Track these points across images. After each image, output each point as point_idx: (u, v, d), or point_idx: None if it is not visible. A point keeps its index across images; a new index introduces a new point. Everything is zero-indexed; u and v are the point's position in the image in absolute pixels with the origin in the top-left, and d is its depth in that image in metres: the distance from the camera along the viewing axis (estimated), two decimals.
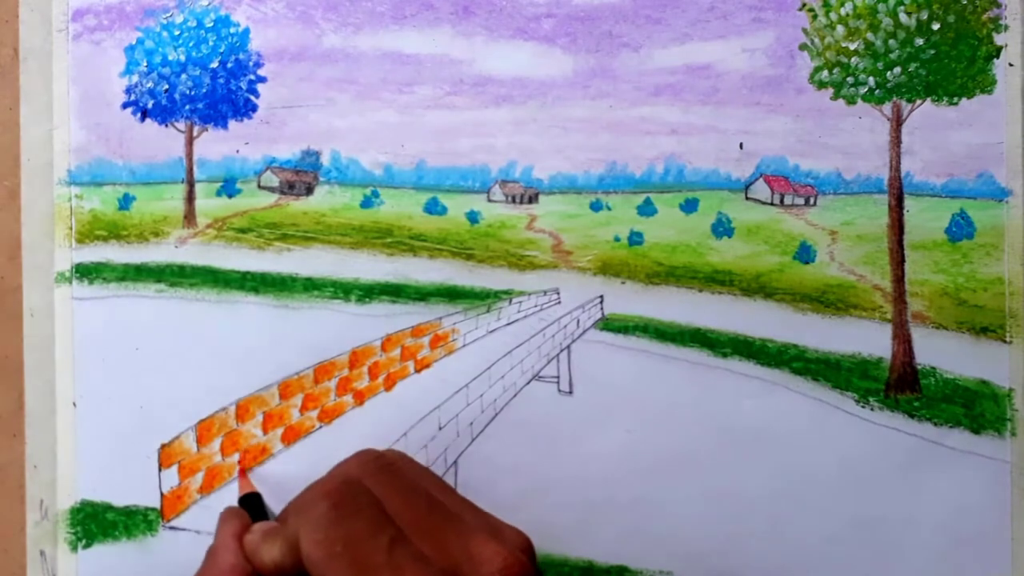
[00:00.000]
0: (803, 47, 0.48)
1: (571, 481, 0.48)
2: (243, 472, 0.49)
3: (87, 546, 0.50)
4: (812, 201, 0.48)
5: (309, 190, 0.50)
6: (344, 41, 0.50)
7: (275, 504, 0.48)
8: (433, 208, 0.50)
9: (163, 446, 0.50)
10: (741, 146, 0.48)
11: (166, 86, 0.51)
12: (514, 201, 0.50)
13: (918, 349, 0.47)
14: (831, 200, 0.48)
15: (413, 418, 0.49)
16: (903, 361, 0.47)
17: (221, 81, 0.51)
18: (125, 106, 0.51)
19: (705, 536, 0.48)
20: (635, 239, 0.49)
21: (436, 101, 0.50)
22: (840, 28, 0.48)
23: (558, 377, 0.49)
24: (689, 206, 0.49)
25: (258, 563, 0.38)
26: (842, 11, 0.48)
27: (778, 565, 0.47)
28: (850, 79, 0.48)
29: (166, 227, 0.51)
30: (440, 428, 0.49)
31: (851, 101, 0.48)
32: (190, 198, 0.51)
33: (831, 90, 0.48)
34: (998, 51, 0.47)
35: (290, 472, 0.50)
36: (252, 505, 0.46)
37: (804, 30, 0.48)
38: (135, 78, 0.51)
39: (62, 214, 0.51)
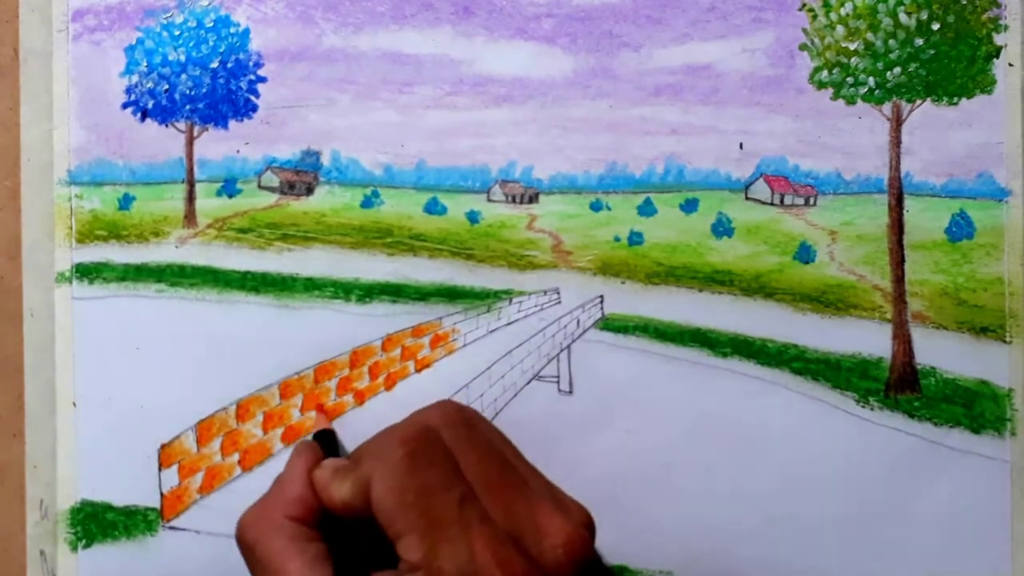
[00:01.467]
0: (803, 47, 0.48)
1: (571, 481, 0.48)
2: (320, 407, 0.49)
3: (87, 546, 0.50)
4: (812, 201, 0.48)
5: (309, 190, 0.50)
6: (344, 41, 0.50)
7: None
8: (433, 208, 0.50)
9: (163, 446, 0.50)
10: (741, 146, 0.48)
11: (166, 86, 0.51)
12: (514, 201, 0.50)
13: (918, 349, 0.47)
14: (831, 200, 0.48)
15: None
16: (903, 361, 0.47)
17: (221, 81, 0.51)
18: (125, 106, 0.51)
19: (705, 536, 0.48)
20: (635, 239, 0.49)
21: (436, 101, 0.50)
22: (840, 28, 0.48)
23: (558, 377, 0.49)
24: (689, 206, 0.49)
25: (326, 499, 0.38)
26: (842, 11, 0.48)
27: (778, 565, 0.47)
28: (850, 79, 0.48)
29: (166, 227, 0.51)
30: None
31: (851, 101, 0.48)
32: (190, 198, 0.51)
33: (831, 90, 0.48)
34: (998, 51, 0.47)
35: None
36: (326, 441, 0.44)
37: (804, 30, 0.48)
38: (135, 78, 0.51)
39: (62, 214, 0.51)
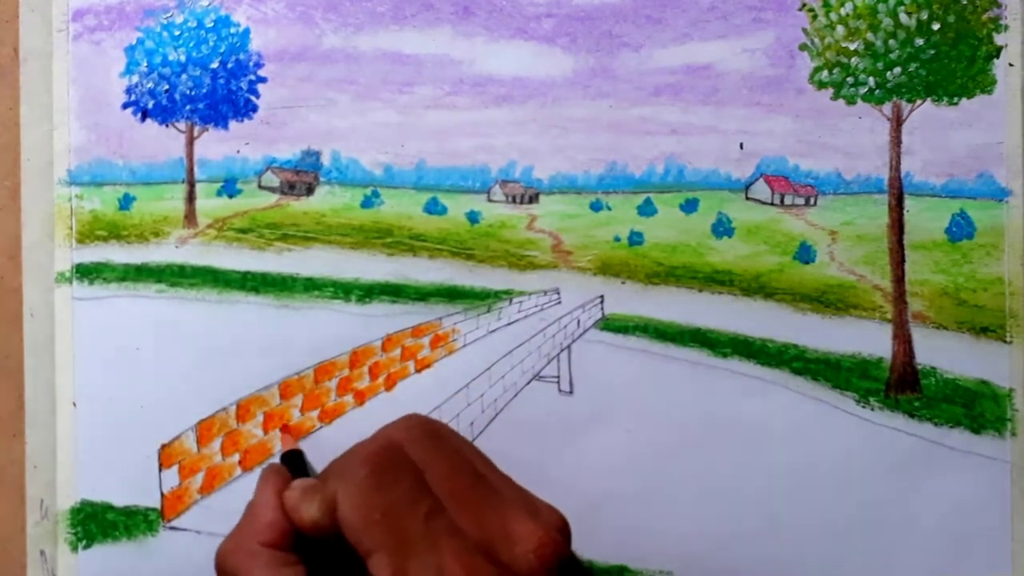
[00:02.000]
0: (803, 47, 0.48)
1: (571, 481, 0.48)
2: (286, 428, 0.49)
3: (87, 546, 0.50)
4: (812, 201, 0.48)
5: (309, 190, 0.50)
6: (344, 41, 0.50)
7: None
8: (433, 208, 0.50)
9: (163, 446, 0.50)
10: (741, 146, 0.48)
11: (166, 86, 0.51)
12: (514, 201, 0.50)
13: (918, 349, 0.47)
14: (831, 200, 0.48)
15: None
16: (903, 361, 0.47)
17: (221, 81, 0.51)
18: (125, 106, 0.51)
19: (705, 536, 0.48)
20: (635, 239, 0.49)
21: (436, 101, 0.50)
22: (840, 28, 0.48)
23: (558, 377, 0.49)
24: (689, 206, 0.49)
25: (297, 520, 0.38)
26: (842, 11, 0.48)
27: (778, 565, 0.47)
28: (850, 79, 0.48)
29: (166, 227, 0.51)
30: None
31: (851, 101, 0.48)
32: (190, 198, 0.51)
33: (831, 90, 0.48)
34: (998, 51, 0.47)
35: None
36: (294, 462, 0.44)
37: (804, 30, 0.48)
38: (135, 78, 0.51)
39: (62, 214, 0.51)
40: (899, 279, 0.48)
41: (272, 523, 0.38)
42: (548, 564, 0.35)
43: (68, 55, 0.51)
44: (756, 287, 0.48)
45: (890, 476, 0.47)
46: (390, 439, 0.38)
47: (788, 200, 0.49)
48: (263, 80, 0.50)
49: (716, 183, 0.49)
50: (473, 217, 0.50)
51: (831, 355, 0.48)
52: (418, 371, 0.50)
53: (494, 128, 0.49)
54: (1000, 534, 0.46)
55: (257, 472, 0.50)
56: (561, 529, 0.37)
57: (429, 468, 0.37)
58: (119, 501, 0.50)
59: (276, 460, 0.47)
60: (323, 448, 0.50)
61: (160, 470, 0.50)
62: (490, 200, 0.50)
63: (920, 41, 0.47)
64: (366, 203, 0.50)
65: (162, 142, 0.51)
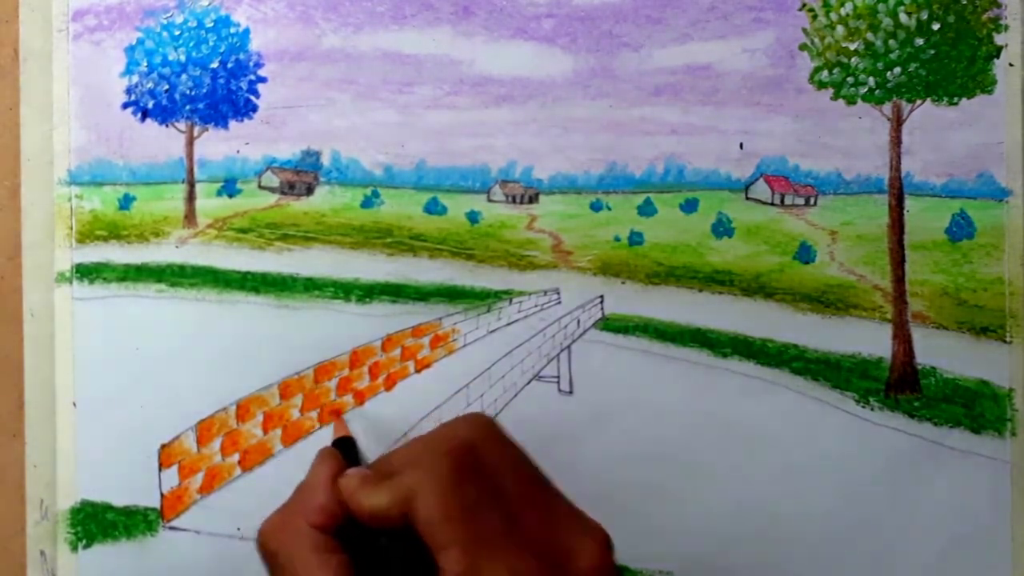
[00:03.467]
0: (803, 47, 0.48)
1: (570, 481, 0.48)
2: (338, 415, 0.49)
3: (87, 546, 0.50)
4: (812, 201, 0.48)
5: (309, 190, 0.50)
6: (344, 41, 0.50)
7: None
8: (433, 208, 0.50)
9: (163, 446, 0.50)
10: (741, 146, 0.48)
11: (166, 86, 0.51)
12: (514, 201, 0.50)
13: (918, 349, 0.47)
14: (831, 200, 0.48)
15: (413, 418, 0.49)
16: (903, 361, 0.47)
17: (221, 81, 0.51)
18: (125, 106, 0.51)
19: (705, 536, 0.48)
20: (635, 239, 0.49)
21: (436, 101, 0.50)
22: (840, 28, 0.48)
23: (558, 377, 0.49)
24: (689, 206, 0.49)
25: (355, 507, 0.37)
26: (842, 11, 0.48)
27: (778, 565, 0.47)
28: (850, 79, 0.48)
29: (166, 227, 0.51)
30: None
31: (851, 101, 0.48)
32: (190, 198, 0.51)
33: (831, 90, 0.48)
34: (998, 51, 0.47)
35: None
36: (346, 449, 0.44)
37: (804, 30, 0.48)
38: (135, 78, 0.51)
39: (62, 214, 0.51)
40: (899, 279, 0.48)
41: (324, 506, 0.38)
42: None
43: (68, 55, 0.51)
44: (756, 287, 0.48)
45: (890, 476, 0.47)
46: (465, 437, 0.38)
47: (788, 200, 0.49)
48: (263, 80, 0.50)
49: (716, 183, 0.49)
50: (473, 217, 0.50)
51: (831, 355, 0.48)
52: (418, 371, 0.50)
53: (494, 128, 0.49)
54: (1000, 534, 0.46)
55: (257, 472, 0.50)
56: (609, 545, 0.37)
57: (501, 471, 0.37)
58: (119, 501, 0.50)
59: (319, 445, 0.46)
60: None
61: (160, 470, 0.50)
62: (490, 200, 0.50)
63: (920, 41, 0.47)
64: (366, 203, 0.50)
65: (162, 142, 0.51)
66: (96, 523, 0.50)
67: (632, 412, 0.48)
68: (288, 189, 0.51)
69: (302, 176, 0.50)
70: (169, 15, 0.51)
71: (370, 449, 0.46)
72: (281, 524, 0.38)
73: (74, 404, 0.50)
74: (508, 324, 0.50)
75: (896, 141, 0.48)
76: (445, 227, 0.50)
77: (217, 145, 0.51)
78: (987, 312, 0.47)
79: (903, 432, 0.47)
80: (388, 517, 0.36)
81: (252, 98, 0.51)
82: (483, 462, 0.37)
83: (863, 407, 0.48)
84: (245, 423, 0.50)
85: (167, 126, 0.51)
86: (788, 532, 0.47)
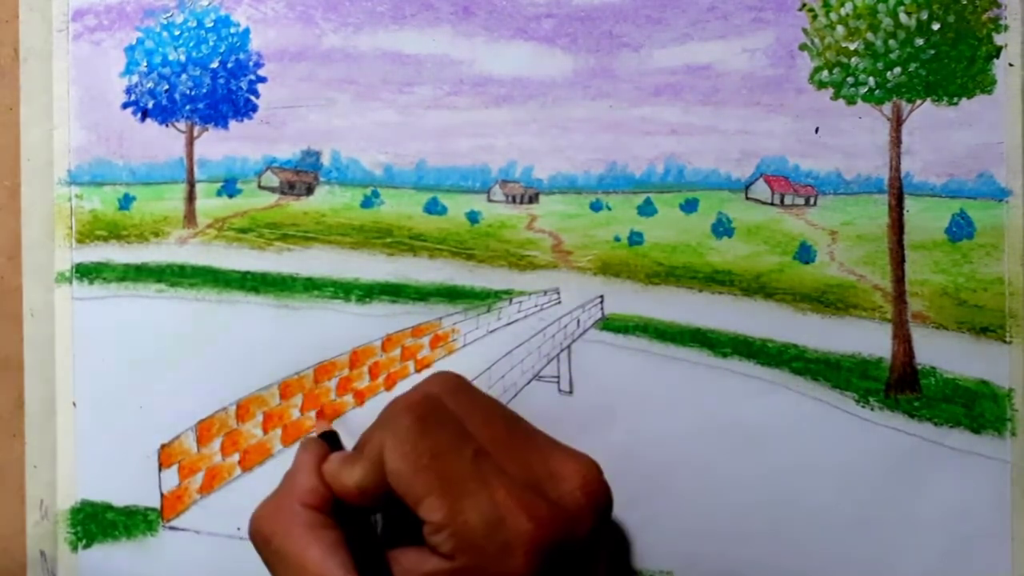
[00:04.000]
0: (803, 47, 0.48)
1: None
2: (321, 412, 0.49)
3: (87, 546, 0.50)
4: (812, 201, 0.48)
5: (309, 190, 0.50)
6: (344, 41, 0.50)
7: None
8: (433, 208, 0.50)
9: (163, 446, 0.50)
10: (740, 150, 0.48)
11: (166, 86, 0.51)
12: (514, 201, 0.50)
13: (918, 349, 0.47)
14: (831, 200, 0.48)
15: None
16: (903, 361, 0.47)
17: (221, 81, 0.51)
18: (125, 106, 0.51)
19: (705, 536, 0.48)
20: (635, 239, 0.49)
21: (436, 101, 0.50)
22: (840, 28, 0.48)
23: (558, 377, 0.49)
24: (689, 206, 0.49)
25: (339, 487, 0.38)
26: (842, 11, 0.48)
27: (778, 565, 0.47)
28: (850, 79, 0.48)
29: (166, 227, 0.51)
30: None
31: (851, 101, 0.48)
32: (190, 198, 0.51)
33: (831, 90, 0.48)
34: (998, 51, 0.47)
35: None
36: (329, 441, 0.44)
37: (804, 30, 0.48)
38: (135, 78, 0.51)
39: (62, 214, 0.51)
40: (899, 279, 0.48)
41: (313, 488, 0.38)
42: (594, 501, 0.36)
43: (68, 55, 0.51)
44: (756, 287, 0.48)
45: (890, 476, 0.47)
46: (427, 391, 0.38)
47: (788, 200, 0.49)
48: (263, 80, 0.50)
49: (716, 183, 0.49)
50: (473, 217, 0.50)
51: (831, 355, 0.48)
52: (418, 371, 0.50)
53: (494, 128, 0.49)
54: (1000, 534, 0.46)
55: (257, 472, 0.50)
56: (599, 468, 0.38)
57: (467, 417, 0.37)
58: (119, 501, 0.50)
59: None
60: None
61: (160, 470, 0.50)
62: (490, 200, 0.50)
63: (920, 41, 0.47)
64: (366, 203, 0.50)
65: (162, 142, 0.51)
66: (96, 523, 0.50)
67: (632, 412, 0.48)
68: (288, 189, 0.51)
69: (302, 176, 0.50)
70: (169, 15, 0.51)
71: None
72: (273, 508, 0.39)
73: (74, 404, 0.50)
74: (508, 324, 0.50)
75: (896, 141, 0.48)
76: (445, 227, 0.50)
77: (217, 145, 0.51)
78: (987, 312, 0.47)
79: (903, 432, 0.47)
80: (369, 488, 0.37)
81: (252, 98, 0.51)
82: (446, 410, 0.37)
83: (863, 407, 0.48)
84: (245, 423, 0.50)
85: (167, 126, 0.51)
86: (788, 532, 0.47)
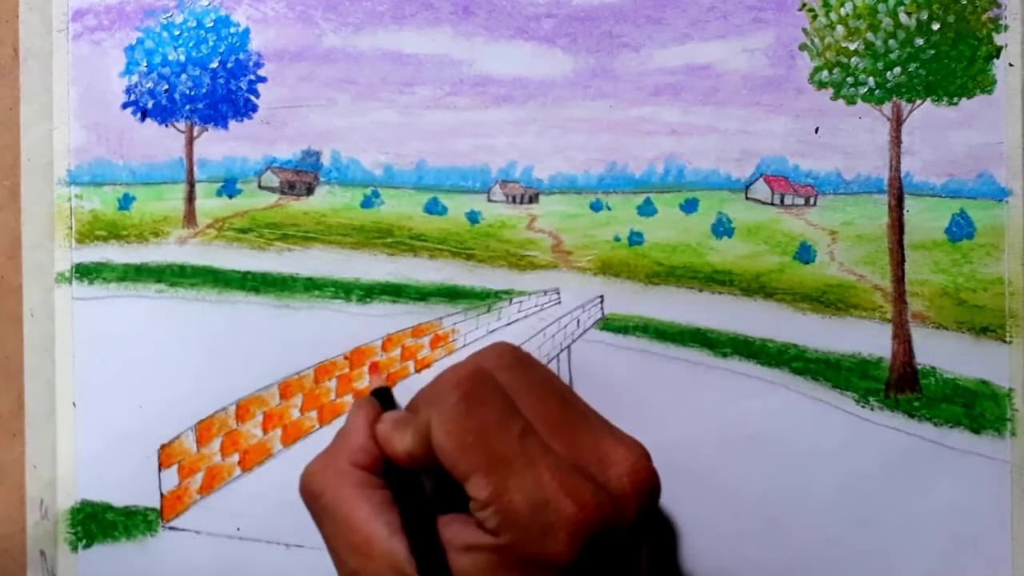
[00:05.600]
0: (803, 47, 0.48)
1: None
2: (375, 367, 0.49)
3: (87, 546, 0.50)
4: (812, 201, 0.48)
5: (309, 190, 0.50)
6: (344, 41, 0.50)
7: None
8: (433, 208, 0.50)
9: (163, 446, 0.50)
10: (740, 151, 0.48)
11: (166, 86, 0.51)
12: (514, 201, 0.50)
13: (918, 349, 0.47)
14: (831, 200, 0.48)
15: None
16: (903, 361, 0.47)
17: (221, 81, 0.51)
18: (125, 106, 0.51)
19: (705, 536, 0.48)
20: (635, 239, 0.49)
21: (436, 101, 0.50)
22: (840, 28, 0.48)
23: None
24: (689, 206, 0.49)
25: (390, 451, 0.38)
26: (842, 11, 0.48)
27: (778, 565, 0.47)
28: (850, 79, 0.48)
29: (166, 227, 0.51)
30: None
31: (851, 101, 0.48)
32: (190, 198, 0.51)
33: (831, 90, 0.48)
34: (998, 51, 0.47)
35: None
36: (383, 398, 0.44)
37: (804, 30, 0.48)
38: (135, 78, 0.51)
39: (62, 214, 0.51)
40: (899, 279, 0.48)
41: (364, 447, 0.39)
42: (641, 489, 0.36)
43: (68, 55, 0.51)
44: (756, 287, 0.48)
45: (890, 476, 0.47)
46: (479, 365, 0.38)
47: (788, 200, 0.49)
48: (263, 80, 0.50)
49: (716, 183, 0.49)
50: (473, 217, 0.50)
51: (831, 355, 0.48)
52: (418, 371, 0.50)
53: (494, 128, 0.49)
54: (1000, 534, 0.46)
55: (256, 472, 0.50)
56: (647, 455, 0.37)
57: (518, 393, 0.37)
58: (119, 501, 0.50)
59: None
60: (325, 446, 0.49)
61: (160, 470, 0.50)
62: (490, 200, 0.50)
63: (920, 41, 0.47)
64: (366, 203, 0.50)
65: (162, 142, 0.51)
66: (96, 523, 0.50)
67: (632, 412, 0.48)
68: (288, 189, 0.51)
69: (302, 176, 0.50)
70: (169, 15, 0.51)
71: None
72: (324, 465, 0.39)
73: (74, 404, 0.50)
74: (508, 324, 0.50)
75: (896, 141, 0.48)
76: (445, 227, 0.50)
77: (217, 145, 0.51)
78: (987, 312, 0.47)
79: (903, 432, 0.47)
80: (417, 456, 0.37)
81: (252, 98, 0.51)
82: (496, 386, 0.37)
83: (863, 407, 0.48)
84: (245, 423, 0.50)
85: (167, 126, 0.51)
86: (788, 531, 0.47)
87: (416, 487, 0.38)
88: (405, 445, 0.37)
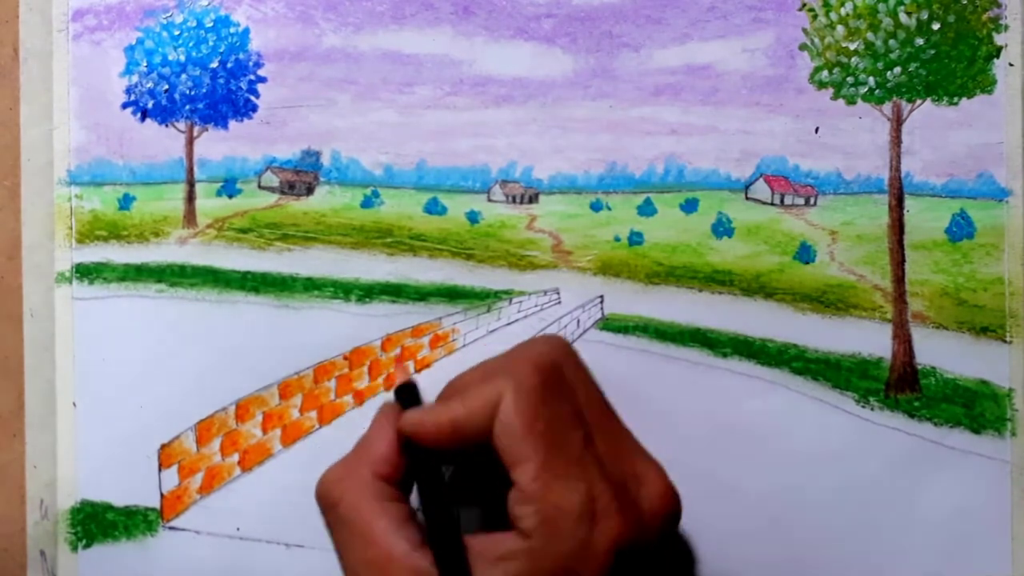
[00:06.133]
0: (803, 47, 0.48)
1: None
2: (399, 362, 0.49)
3: (87, 546, 0.50)
4: (812, 201, 0.48)
5: (309, 190, 0.50)
6: (344, 41, 0.50)
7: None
8: (433, 208, 0.50)
9: (163, 446, 0.50)
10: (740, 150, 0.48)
11: (166, 86, 0.51)
12: (514, 201, 0.50)
13: (918, 349, 0.47)
14: (831, 200, 0.48)
15: None
16: (903, 361, 0.47)
17: (221, 81, 0.51)
18: (125, 106, 0.51)
19: (705, 536, 0.48)
20: (635, 239, 0.49)
21: (436, 101, 0.50)
22: (840, 28, 0.48)
23: None
24: (689, 206, 0.49)
25: (430, 425, 0.36)
26: (842, 11, 0.48)
27: (778, 564, 0.47)
28: (850, 79, 0.48)
29: (166, 227, 0.51)
30: None
31: (851, 101, 0.48)
32: (190, 198, 0.51)
33: (831, 90, 0.48)
34: (998, 51, 0.47)
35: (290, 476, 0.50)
36: (408, 395, 0.42)
37: (804, 30, 0.48)
38: (135, 78, 0.51)
39: (62, 214, 0.51)
40: (899, 279, 0.48)
41: (386, 456, 0.38)
42: (669, 512, 0.36)
43: (68, 55, 0.51)
44: (756, 287, 0.48)
45: (890, 476, 0.47)
46: (552, 355, 0.37)
47: (788, 200, 0.49)
48: (263, 80, 0.50)
49: (716, 183, 0.49)
50: (473, 217, 0.50)
51: (831, 355, 0.48)
52: (418, 371, 0.50)
53: (494, 128, 0.49)
54: (1000, 534, 0.46)
55: (256, 473, 0.50)
56: (670, 480, 0.38)
57: (580, 393, 0.37)
58: (119, 501, 0.50)
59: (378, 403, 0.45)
60: (323, 448, 0.50)
61: (160, 470, 0.50)
62: (490, 200, 0.50)
63: (920, 41, 0.47)
64: (366, 203, 0.50)
65: (162, 142, 0.51)
66: (96, 523, 0.50)
67: (632, 412, 0.48)
68: (288, 189, 0.51)
69: (302, 176, 0.50)
70: (169, 15, 0.51)
71: None
72: (343, 473, 0.38)
73: (74, 404, 0.50)
74: (508, 324, 0.50)
75: (896, 141, 0.48)
76: (445, 227, 0.50)
77: (217, 145, 0.51)
78: (987, 312, 0.47)
79: (903, 432, 0.47)
80: (465, 428, 0.35)
81: (252, 98, 0.51)
82: (566, 381, 0.36)
83: (863, 407, 0.48)
84: (245, 423, 0.50)
85: (167, 126, 0.51)
86: (788, 531, 0.47)
87: (443, 495, 0.37)
88: (454, 413, 0.36)
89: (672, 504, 0.36)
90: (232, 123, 0.51)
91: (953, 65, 0.47)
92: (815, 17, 0.48)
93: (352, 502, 0.36)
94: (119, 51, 0.51)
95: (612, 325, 0.49)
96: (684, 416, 0.48)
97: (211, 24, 0.51)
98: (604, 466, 0.35)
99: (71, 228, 0.51)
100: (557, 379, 0.36)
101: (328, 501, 0.37)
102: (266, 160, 0.50)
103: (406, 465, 0.38)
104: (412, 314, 0.50)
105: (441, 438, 0.37)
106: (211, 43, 0.51)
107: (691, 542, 0.48)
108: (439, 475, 0.37)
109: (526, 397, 0.35)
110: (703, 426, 0.48)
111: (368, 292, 0.50)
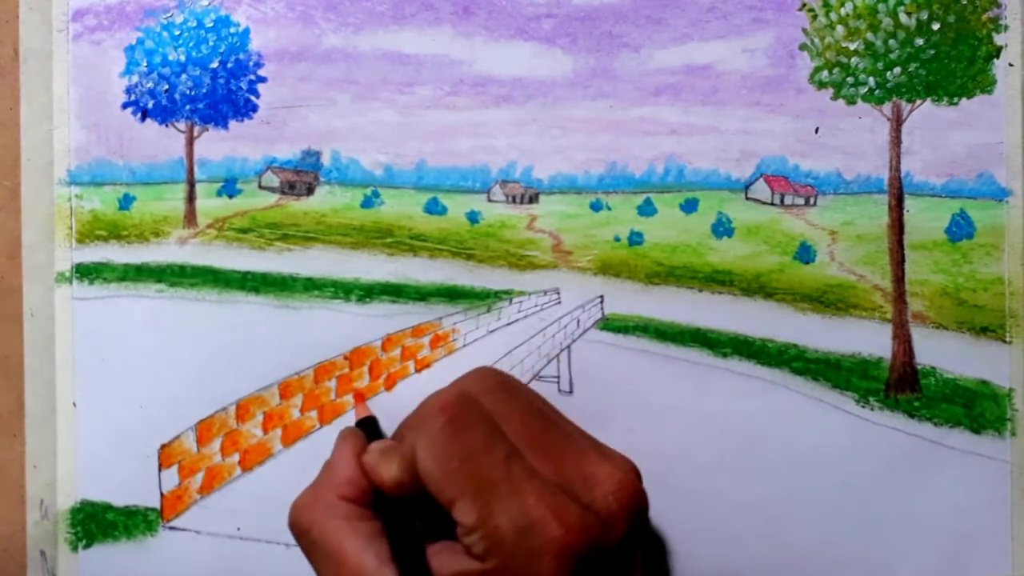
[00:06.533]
0: (803, 47, 0.48)
1: None
2: (360, 396, 0.49)
3: (87, 546, 0.50)
4: (812, 201, 0.48)
5: (310, 190, 0.50)
6: (344, 41, 0.50)
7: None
8: (433, 208, 0.50)
9: (163, 446, 0.50)
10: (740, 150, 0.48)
11: (166, 86, 0.51)
12: (514, 201, 0.50)
13: (918, 349, 0.47)
14: (831, 200, 0.48)
15: None
16: (903, 361, 0.47)
17: (221, 81, 0.51)
18: (125, 106, 0.51)
19: (705, 536, 0.48)
20: (635, 239, 0.49)
21: (436, 101, 0.50)
22: (840, 28, 0.48)
23: (558, 377, 0.49)
24: (689, 206, 0.49)
25: (377, 480, 0.38)
26: (842, 11, 0.48)
27: (778, 565, 0.47)
28: (850, 79, 0.48)
29: (166, 227, 0.51)
30: None
31: (851, 101, 0.48)
32: (190, 198, 0.51)
33: (831, 90, 0.48)
34: (998, 51, 0.47)
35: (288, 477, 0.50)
36: (368, 428, 0.45)
37: (804, 30, 0.48)
38: (135, 78, 0.51)
39: (62, 214, 0.51)
40: (899, 279, 0.48)
41: (351, 479, 0.38)
42: (628, 506, 0.36)
43: (68, 55, 0.51)
44: (756, 287, 0.48)
45: (890, 476, 0.47)
46: (463, 390, 0.38)
47: (788, 200, 0.49)
48: (263, 80, 0.50)
49: (716, 183, 0.49)
50: (473, 217, 0.50)
51: (831, 355, 0.48)
52: (418, 371, 0.50)
53: (494, 128, 0.49)
54: (1000, 534, 0.46)
55: (257, 473, 0.50)
56: (636, 473, 0.37)
57: (503, 417, 0.37)
58: (119, 501, 0.50)
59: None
60: (323, 448, 0.49)
61: (160, 470, 0.50)
62: (490, 200, 0.50)
63: (920, 41, 0.47)
64: (366, 203, 0.50)
65: (162, 142, 0.51)
66: (96, 523, 0.50)
67: (632, 412, 0.48)
68: (288, 189, 0.51)
69: (302, 176, 0.50)
70: (169, 15, 0.51)
71: None
72: (312, 499, 0.39)
73: (74, 404, 0.50)
74: (508, 324, 0.50)
75: (896, 141, 0.48)
76: (445, 227, 0.50)
77: (217, 145, 0.51)
78: (987, 312, 0.47)
79: (903, 432, 0.47)
80: (405, 483, 0.37)
81: (252, 98, 0.51)
82: (481, 410, 0.37)
83: (863, 407, 0.48)
84: (245, 423, 0.50)
85: (167, 126, 0.51)
86: (787, 532, 0.47)
87: (405, 516, 0.38)
88: (392, 473, 0.37)
89: (630, 500, 0.36)
90: (232, 123, 0.51)
91: (953, 65, 0.47)
92: (815, 17, 0.48)
93: (322, 525, 0.37)
94: (119, 51, 0.51)
95: (612, 325, 0.49)
96: (684, 416, 0.48)
97: (211, 24, 0.51)
98: (537, 476, 0.35)
99: (71, 228, 0.51)
100: (465, 410, 0.37)
101: (300, 528, 0.38)
102: (266, 160, 0.50)
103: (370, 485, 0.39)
104: (412, 314, 0.50)
105: (391, 493, 0.38)
106: (211, 43, 0.51)
107: (683, 541, 0.48)
108: (400, 508, 0.38)
109: (433, 441, 0.35)
110: (703, 426, 0.48)
111: (368, 292, 0.50)
